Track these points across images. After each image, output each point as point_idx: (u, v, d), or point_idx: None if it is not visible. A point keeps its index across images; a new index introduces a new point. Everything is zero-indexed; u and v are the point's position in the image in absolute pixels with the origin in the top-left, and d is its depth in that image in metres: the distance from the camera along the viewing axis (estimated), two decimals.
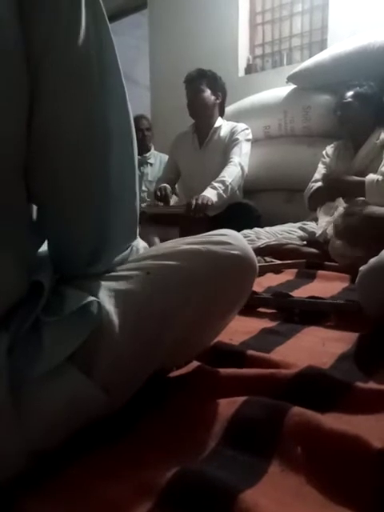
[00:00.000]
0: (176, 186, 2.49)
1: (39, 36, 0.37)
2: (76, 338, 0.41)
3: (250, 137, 2.25)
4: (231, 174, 2.10)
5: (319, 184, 1.88)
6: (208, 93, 2.20)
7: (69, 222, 0.46)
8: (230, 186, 2.07)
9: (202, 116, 2.25)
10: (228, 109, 2.43)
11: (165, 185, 2.31)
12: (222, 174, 2.10)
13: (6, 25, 0.35)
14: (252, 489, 0.40)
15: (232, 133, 2.22)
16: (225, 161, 2.16)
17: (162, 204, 2.27)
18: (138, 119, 2.69)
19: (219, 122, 2.27)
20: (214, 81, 2.20)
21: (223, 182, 2.06)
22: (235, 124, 2.26)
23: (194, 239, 0.55)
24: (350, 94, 1.81)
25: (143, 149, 2.83)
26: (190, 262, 0.51)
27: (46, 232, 0.48)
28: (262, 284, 1.29)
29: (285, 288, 1.22)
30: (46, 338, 0.41)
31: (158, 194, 2.24)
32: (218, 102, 2.24)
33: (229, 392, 0.57)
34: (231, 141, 2.20)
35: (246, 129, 2.25)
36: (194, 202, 1.95)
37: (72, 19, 0.38)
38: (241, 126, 2.25)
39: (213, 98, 2.22)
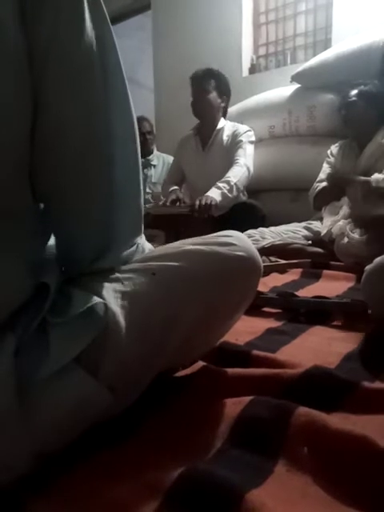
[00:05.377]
0: (182, 188, 2.50)
1: (41, 38, 0.37)
2: (82, 339, 0.42)
3: (253, 139, 2.25)
4: (236, 174, 2.10)
5: (324, 184, 1.87)
6: (214, 95, 2.19)
7: (73, 221, 0.46)
8: (235, 187, 2.07)
9: (206, 116, 2.24)
10: (232, 109, 2.43)
11: (175, 188, 2.30)
12: (228, 174, 2.10)
13: (8, 27, 0.36)
14: (258, 489, 0.40)
15: (234, 135, 2.22)
16: (227, 162, 2.16)
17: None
18: (138, 121, 2.67)
19: (221, 123, 2.26)
20: (222, 83, 2.20)
21: (228, 182, 2.06)
22: (237, 125, 2.26)
23: (198, 240, 0.55)
24: (354, 92, 1.80)
25: (145, 152, 2.82)
26: (195, 263, 0.51)
27: (51, 229, 0.49)
28: (268, 284, 1.29)
29: (290, 288, 1.22)
30: (53, 339, 0.41)
31: (174, 197, 2.22)
32: (222, 105, 2.25)
33: (234, 392, 0.57)
34: (234, 143, 2.20)
35: (249, 130, 2.25)
36: (198, 202, 1.96)
37: (73, 21, 0.39)
38: (243, 127, 2.25)
39: (219, 100, 2.21)
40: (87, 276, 0.49)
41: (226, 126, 2.26)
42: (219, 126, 2.25)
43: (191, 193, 2.35)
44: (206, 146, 2.30)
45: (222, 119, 2.28)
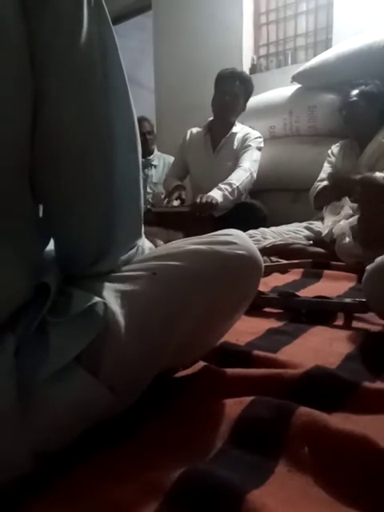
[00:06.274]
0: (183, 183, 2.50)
1: (42, 37, 0.37)
2: (82, 338, 0.42)
3: (262, 145, 2.26)
4: (239, 178, 2.10)
5: (325, 183, 1.87)
6: (241, 103, 2.20)
7: (73, 223, 0.46)
8: (236, 190, 2.08)
9: (226, 120, 2.24)
10: None
11: (180, 184, 2.32)
12: (230, 177, 2.10)
13: (9, 26, 0.35)
14: (259, 489, 0.40)
15: (244, 139, 2.23)
16: (235, 166, 2.17)
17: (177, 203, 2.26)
18: (139, 122, 2.67)
19: (236, 128, 2.27)
20: (249, 91, 2.21)
21: (230, 185, 2.07)
22: (249, 130, 2.27)
23: (199, 239, 0.55)
24: (355, 92, 1.80)
25: (146, 152, 2.82)
26: (196, 262, 0.51)
27: (51, 231, 0.48)
28: (269, 284, 1.29)
29: (291, 288, 1.22)
30: (53, 338, 0.41)
31: (176, 195, 2.23)
32: (242, 112, 2.26)
33: (235, 392, 0.57)
34: (243, 147, 2.21)
35: (259, 137, 2.26)
36: (198, 200, 1.96)
37: (75, 20, 0.39)
38: (254, 133, 2.26)
39: (241, 108, 2.23)
40: (87, 277, 0.49)
41: (238, 131, 2.26)
42: (234, 130, 2.26)
43: (195, 192, 2.35)
44: (216, 148, 2.29)
45: (237, 124, 2.29)
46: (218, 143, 2.28)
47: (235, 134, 2.25)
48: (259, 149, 2.24)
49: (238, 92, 2.16)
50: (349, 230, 1.51)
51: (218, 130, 2.28)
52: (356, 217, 1.53)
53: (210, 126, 2.33)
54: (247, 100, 2.24)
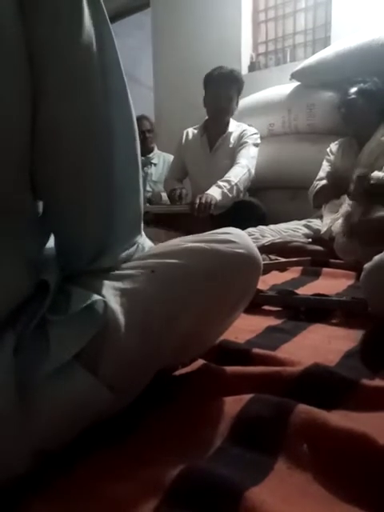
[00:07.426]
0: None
1: (40, 36, 0.37)
2: (82, 336, 0.42)
3: (259, 142, 2.26)
4: (237, 174, 2.10)
5: (324, 182, 1.87)
6: (234, 102, 2.19)
7: (73, 221, 0.46)
8: (235, 187, 2.07)
9: (220, 119, 2.23)
10: None
11: (182, 188, 2.32)
12: (228, 174, 2.10)
13: (6, 25, 0.35)
14: (258, 486, 0.40)
15: (240, 136, 2.22)
16: (233, 164, 2.17)
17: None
18: (139, 120, 2.68)
19: (231, 127, 2.26)
20: (241, 88, 2.19)
21: (228, 182, 2.07)
22: (245, 126, 2.27)
23: (198, 238, 0.55)
24: (353, 90, 1.79)
25: (146, 150, 2.82)
26: (195, 260, 0.51)
27: (51, 229, 0.48)
28: (267, 282, 1.29)
29: (290, 286, 1.22)
30: (52, 336, 0.41)
31: (178, 193, 2.24)
32: (235, 109, 2.25)
33: (234, 390, 0.57)
34: (239, 144, 2.21)
35: (256, 133, 2.25)
36: (197, 200, 1.96)
37: (73, 19, 0.38)
38: (251, 129, 2.25)
39: (235, 107, 2.22)
40: (87, 275, 0.49)
41: (235, 130, 2.26)
42: (230, 129, 2.25)
43: (194, 192, 2.35)
44: (213, 147, 2.29)
45: (232, 122, 2.28)
46: (215, 143, 2.28)
47: (231, 132, 2.25)
48: (256, 145, 2.24)
49: (232, 94, 2.15)
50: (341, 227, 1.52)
51: (214, 130, 2.28)
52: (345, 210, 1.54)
53: (206, 126, 2.33)
54: (238, 97, 2.23)
